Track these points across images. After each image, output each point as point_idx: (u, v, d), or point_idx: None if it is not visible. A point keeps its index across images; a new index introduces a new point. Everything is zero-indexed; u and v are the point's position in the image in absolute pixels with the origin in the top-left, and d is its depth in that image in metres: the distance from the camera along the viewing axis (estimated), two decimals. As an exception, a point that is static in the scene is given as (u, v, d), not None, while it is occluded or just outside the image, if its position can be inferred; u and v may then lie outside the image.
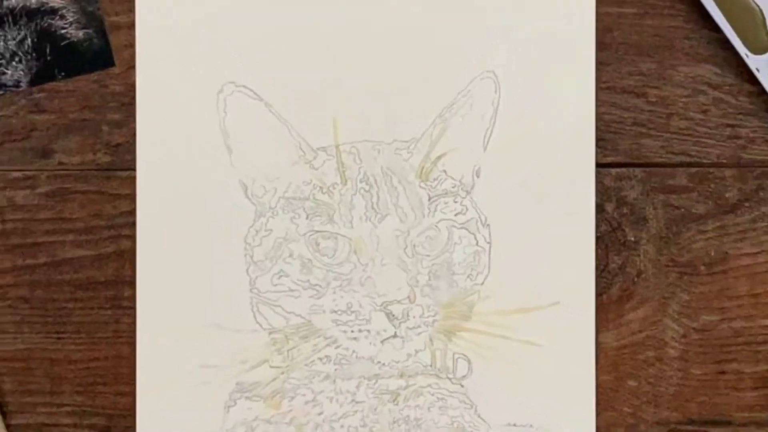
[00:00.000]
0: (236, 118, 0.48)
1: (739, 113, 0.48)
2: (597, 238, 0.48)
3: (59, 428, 0.48)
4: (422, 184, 0.49)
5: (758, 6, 0.46)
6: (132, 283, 0.47)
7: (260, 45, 0.49)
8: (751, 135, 0.48)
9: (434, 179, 0.49)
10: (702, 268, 0.49)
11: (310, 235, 0.48)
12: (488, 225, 0.49)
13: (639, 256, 0.49)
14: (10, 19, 0.47)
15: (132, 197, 0.47)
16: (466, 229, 0.49)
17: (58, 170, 0.47)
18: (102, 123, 0.47)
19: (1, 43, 0.46)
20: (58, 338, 0.48)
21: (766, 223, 0.49)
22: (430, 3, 0.49)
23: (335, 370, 0.50)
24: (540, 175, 0.49)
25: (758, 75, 0.46)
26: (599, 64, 0.47)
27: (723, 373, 0.49)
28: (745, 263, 0.49)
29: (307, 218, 0.48)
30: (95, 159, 0.47)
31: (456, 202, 0.49)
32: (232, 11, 0.48)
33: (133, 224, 0.47)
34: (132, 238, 0.47)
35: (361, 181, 0.49)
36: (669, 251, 0.49)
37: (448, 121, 0.49)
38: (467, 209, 0.49)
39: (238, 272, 0.49)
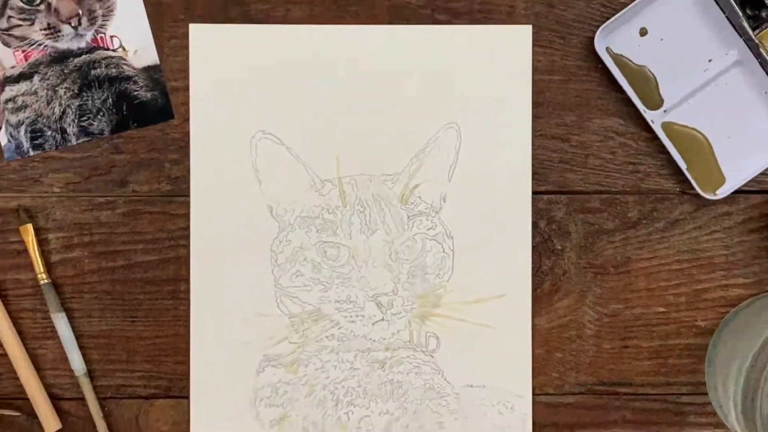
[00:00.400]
0: (264, 158, 0.58)
1: (639, 154, 0.58)
2: (533, 247, 0.58)
3: (132, 388, 0.58)
4: (403, 207, 0.59)
5: (653, 74, 0.58)
6: (186, 281, 0.58)
7: (282, 103, 0.58)
8: (648, 170, 0.59)
9: (412, 203, 0.59)
10: (611, 269, 0.59)
11: (319, 244, 0.59)
12: (452, 237, 0.59)
13: (564, 260, 0.59)
14: (96, 84, 0.57)
15: (187, 216, 0.57)
16: (436, 240, 0.59)
17: (132, 196, 0.57)
18: (164, 161, 0.57)
19: (90, 102, 0.57)
20: (132, 321, 0.58)
21: (658, 236, 0.59)
22: (411, 75, 0.59)
23: (338, 345, 0.59)
24: (490, 199, 0.59)
25: (653, 125, 0.57)
26: (534, 117, 0.58)
27: (626, 347, 0.60)
28: (642, 266, 0.59)
29: (317, 232, 0.59)
30: (159, 188, 0.57)
31: (428, 220, 0.60)
32: (261, 79, 0.58)
33: (188, 237, 0.57)
34: (187, 247, 0.57)
35: (357, 205, 0.59)
36: (586, 257, 0.59)
37: (422, 160, 0.59)
38: (436, 225, 0.60)
39: (265, 272, 0.59)
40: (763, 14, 0.56)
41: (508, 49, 0.59)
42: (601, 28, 0.57)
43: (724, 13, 0.57)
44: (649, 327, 0.60)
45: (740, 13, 0.56)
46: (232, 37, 0.59)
